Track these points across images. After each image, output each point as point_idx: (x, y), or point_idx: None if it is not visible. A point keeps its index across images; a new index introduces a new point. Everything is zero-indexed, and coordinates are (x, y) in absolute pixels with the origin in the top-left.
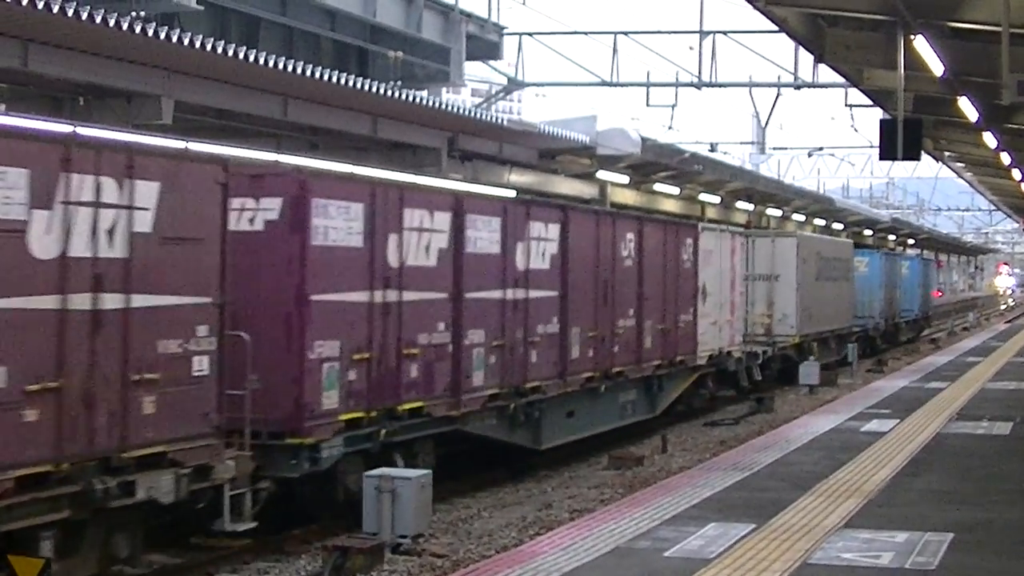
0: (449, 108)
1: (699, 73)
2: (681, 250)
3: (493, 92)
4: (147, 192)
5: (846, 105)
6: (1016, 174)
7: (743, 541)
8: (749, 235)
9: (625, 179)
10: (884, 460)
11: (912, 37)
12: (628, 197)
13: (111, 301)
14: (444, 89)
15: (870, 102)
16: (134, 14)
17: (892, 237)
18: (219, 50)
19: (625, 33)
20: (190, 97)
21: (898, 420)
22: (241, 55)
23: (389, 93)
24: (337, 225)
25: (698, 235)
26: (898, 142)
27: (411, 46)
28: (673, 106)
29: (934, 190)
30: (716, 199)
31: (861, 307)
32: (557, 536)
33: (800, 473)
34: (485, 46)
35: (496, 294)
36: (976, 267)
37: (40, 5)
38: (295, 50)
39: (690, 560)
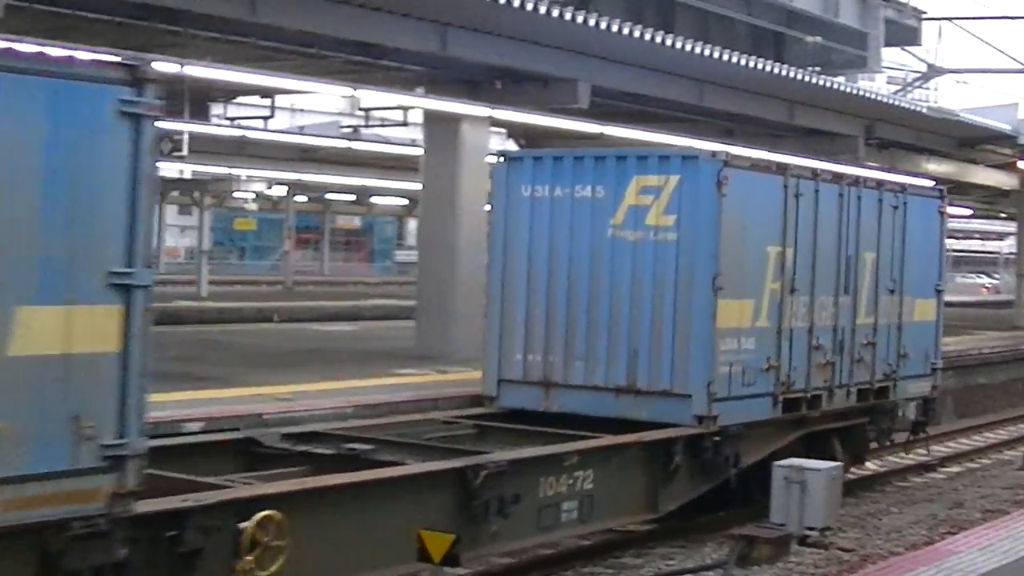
0: (868, 95)
1: None
2: None
3: (909, 79)
4: None
5: None
6: None
7: None
8: None
9: None
10: None
11: None
12: None
13: None
14: (859, 76)
15: None
16: None
17: None
18: (635, 34)
19: None
20: (606, 81)
21: None
22: (657, 39)
23: (806, 79)
24: None
25: None
26: None
27: (828, 31)
28: None
29: None
30: None
31: None
32: (973, 536)
33: None
34: (902, 31)
35: None
36: None
37: None
38: (710, 34)
39: None
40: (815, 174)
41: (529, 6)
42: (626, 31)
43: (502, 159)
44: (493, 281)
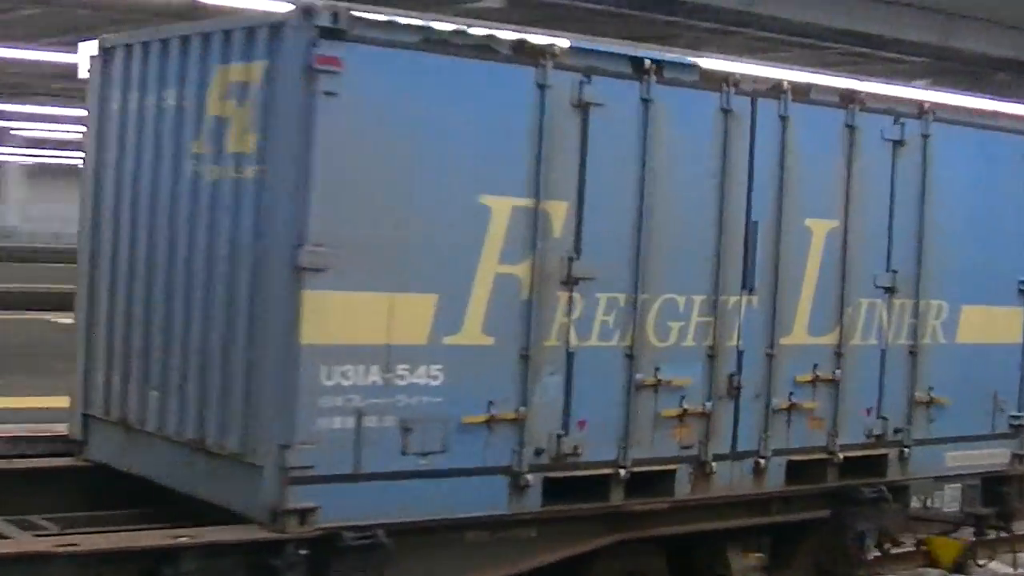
0: None
1: None
2: None
3: None
4: None
5: None
6: None
7: None
8: None
9: None
10: None
11: None
12: None
13: None
14: None
15: None
16: None
17: None
18: None
19: None
20: None
21: None
22: None
23: None
24: None
25: None
26: None
27: None
28: None
29: None
30: None
31: None
32: None
33: None
34: None
35: None
36: None
37: None
38: None
39: None
40: (643, 71)
41: None
42: None
43: (94, 52)
44: (81, 254)
